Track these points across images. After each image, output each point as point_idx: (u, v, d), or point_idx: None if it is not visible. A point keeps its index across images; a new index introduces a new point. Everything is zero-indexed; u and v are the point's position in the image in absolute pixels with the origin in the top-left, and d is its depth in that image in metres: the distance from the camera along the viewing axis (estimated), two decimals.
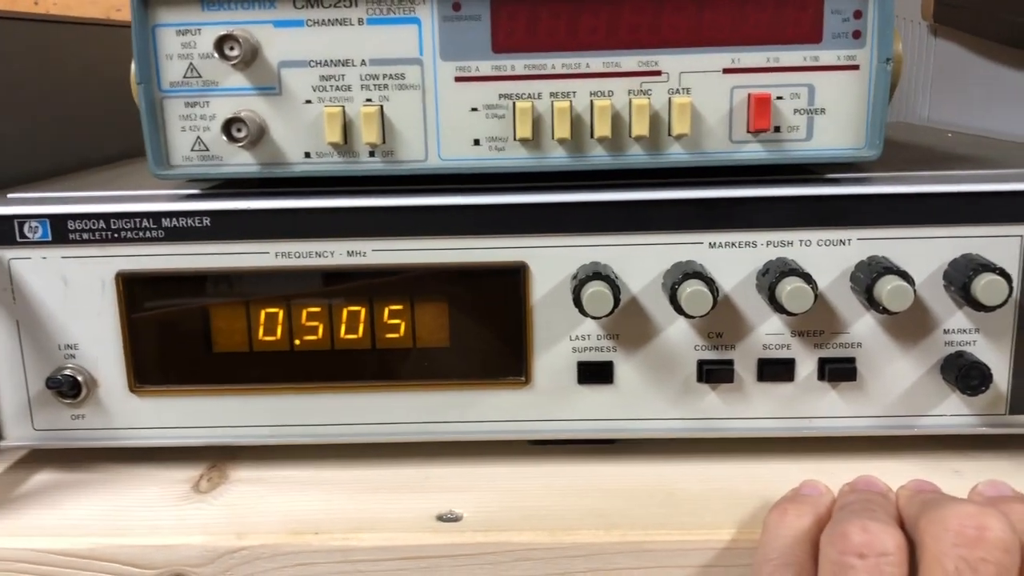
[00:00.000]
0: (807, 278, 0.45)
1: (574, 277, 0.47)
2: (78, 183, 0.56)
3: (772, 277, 0.45)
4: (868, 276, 0.45)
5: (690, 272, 0.45)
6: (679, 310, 0.45)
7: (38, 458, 0.53)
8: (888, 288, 0.44)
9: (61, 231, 0.48)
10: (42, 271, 0.48)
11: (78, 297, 0.48)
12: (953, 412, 0.49)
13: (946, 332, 0.48)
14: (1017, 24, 0.73)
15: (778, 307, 0.45)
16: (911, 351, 0.48)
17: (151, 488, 0.49)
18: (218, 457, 0.52)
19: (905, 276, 0.45)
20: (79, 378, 0.49)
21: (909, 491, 0.41)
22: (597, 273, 0.46)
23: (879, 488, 0.43)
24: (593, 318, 0.46)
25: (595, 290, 0.45)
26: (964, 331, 0.48)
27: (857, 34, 0.46)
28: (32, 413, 0.50)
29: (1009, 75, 0.77)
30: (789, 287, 0.44)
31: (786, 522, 0.40)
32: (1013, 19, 0.74)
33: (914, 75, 0.88)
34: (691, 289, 0.45)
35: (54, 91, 0.63)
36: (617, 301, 0.45)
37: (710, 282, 0.45)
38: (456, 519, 0.45)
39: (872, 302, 0.45)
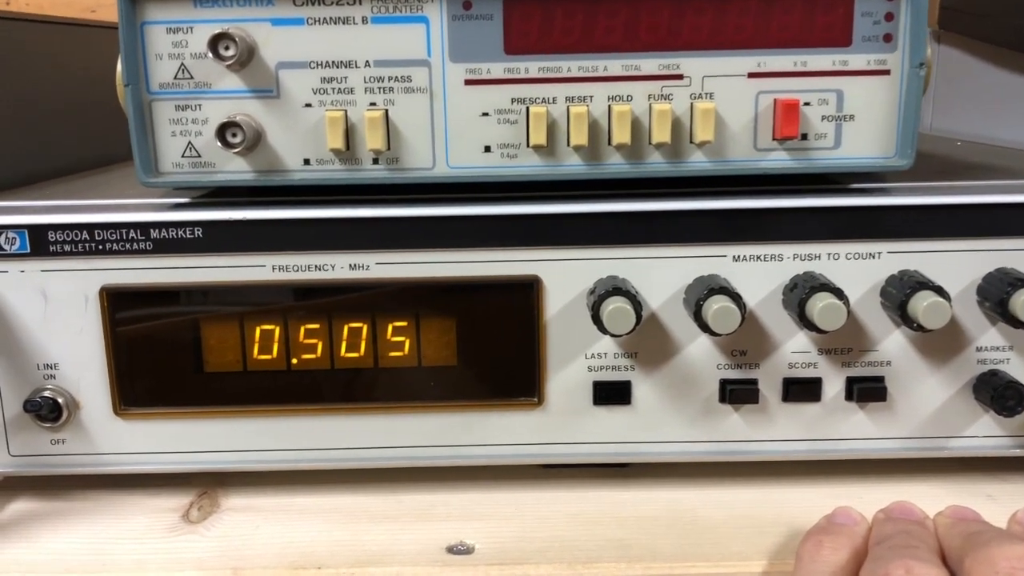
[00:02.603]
0: (839, 293, 0.42)
1: (591, 292, 0.44)
2: (58, 191, 0.54)
3: (802, 292, 0.43)
4: (901, 291, 0.43)
5: (715, 287, 0.43)
6: (704, 327, 0.43)
7: (14, 486, 0.50)
8: (924, 304, 0.42)
9: (41, 243, 0.45)
10: (20, 286, 0.45)
11: (59, 313, 0.46)
12: (986, 434, 0.47)
13: (979, 350, 0.46)
14: None
15: (808, 324, 0.43)
16: (942, 369, 0.46)
17: (138, 518, 0.47)
18: (208, 484, 0.49)
19: (941, 292, 0.42)
20: (59, 400, 0.46)
21: (949, 519, 0.39)
22: (617, 288, 0.43)
23: (916, 516, 0.41)
24: (613, 336, 0.44)
25: (616, 306, 0.42)
26: (998, 348, 0.46)
27: (888, 37, 0.44)
28: (8, 437, 0.47)
29: (1016, 81, 0.75)
30: (821, 304, 0.42)
31: (822, 556, 0.38)
32: (1021, 24, 0.72)
33: None
34: (718, 306, 0.42)
35: (29, 93, 0.60)
36: (639, 318, 0.43)
37: (737, 298, 0.43)
38: (468, 551, 0.42)
39: (906, 319, 0.43)
